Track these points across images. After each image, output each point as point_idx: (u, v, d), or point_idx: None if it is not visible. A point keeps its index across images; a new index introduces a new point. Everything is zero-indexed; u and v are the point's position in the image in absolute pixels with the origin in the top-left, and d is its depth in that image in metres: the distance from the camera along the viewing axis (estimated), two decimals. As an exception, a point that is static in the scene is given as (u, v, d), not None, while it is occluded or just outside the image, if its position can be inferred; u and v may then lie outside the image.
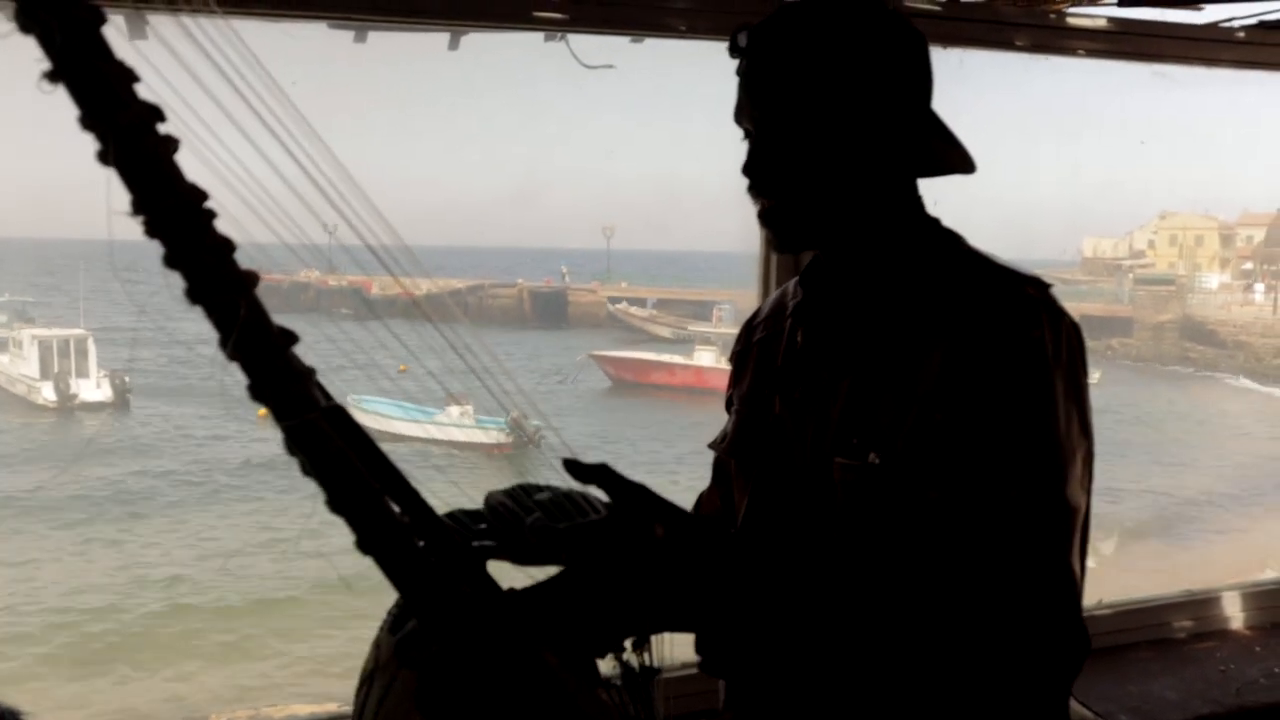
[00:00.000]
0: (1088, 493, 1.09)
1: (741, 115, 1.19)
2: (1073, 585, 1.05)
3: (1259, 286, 47.51)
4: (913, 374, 1.10)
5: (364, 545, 0.82)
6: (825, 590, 1.03)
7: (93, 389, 27.32)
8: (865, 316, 1.18)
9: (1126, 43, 2.43)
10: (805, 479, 1.18)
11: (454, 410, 20.86)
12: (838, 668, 1.04)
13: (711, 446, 1.39)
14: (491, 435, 20.49)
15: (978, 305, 1.10)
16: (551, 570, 0.99)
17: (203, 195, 0.71)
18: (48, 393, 27.06)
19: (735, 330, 1.46)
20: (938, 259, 1.18)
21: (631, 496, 0.98)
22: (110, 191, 0.69)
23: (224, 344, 0.74)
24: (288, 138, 0.76)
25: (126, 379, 27.90)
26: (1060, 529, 1.04)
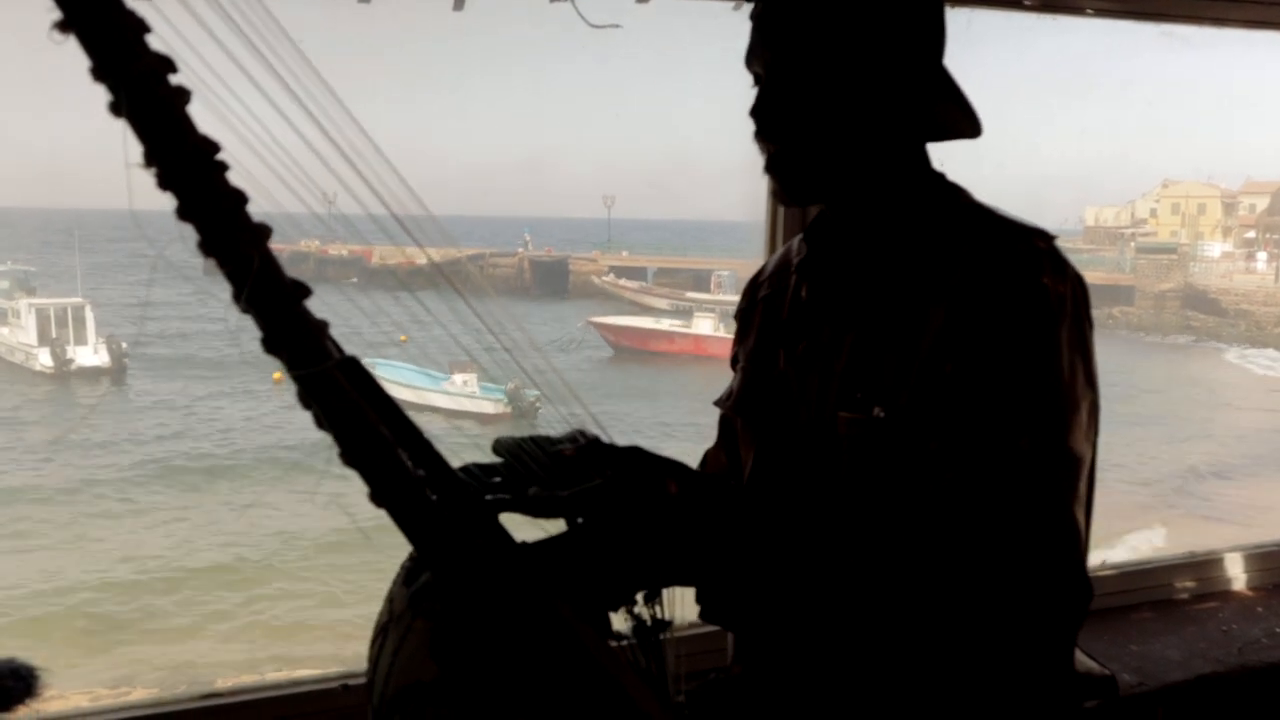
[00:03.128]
0: (1093, 444, 1.10)
1: (753, 59, 1.18)
2: (1076, 535, 1.05)
3: (1261, 255, 47.48)
4: (917, 326, 1.10)
5: (378, 497, 0.82)
6: (829, 542, 1.03)
7: (90, 355, 27.40)
8: (870, 270, 1.17)
9: (1135, 0, 2.40)
10: (810, 434, 1.18)
11: (458, 378, 21.01)
12: (842, 617, 1.05)
13: (717, 404, 1.39)
14: (491, 405, 20.64)
15: (983, 256, 1.09)
16: (563, 524, 1.00)
17: (215, 147, 0.71)
18: (44, 359, 27.14)
19: (733, 298, 1.46)
20: (942, 212, 1.17)
21: (629, 462, 1.00)
22: (127, 148, 0.69)
23: (237, 296, 0.74)
24: (306, 99, 0.76)
25: (124, 345, 27.97)
26: (1064, 478, 1.05)
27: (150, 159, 0.69)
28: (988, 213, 1.17)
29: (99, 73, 0.67)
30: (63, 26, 0.66)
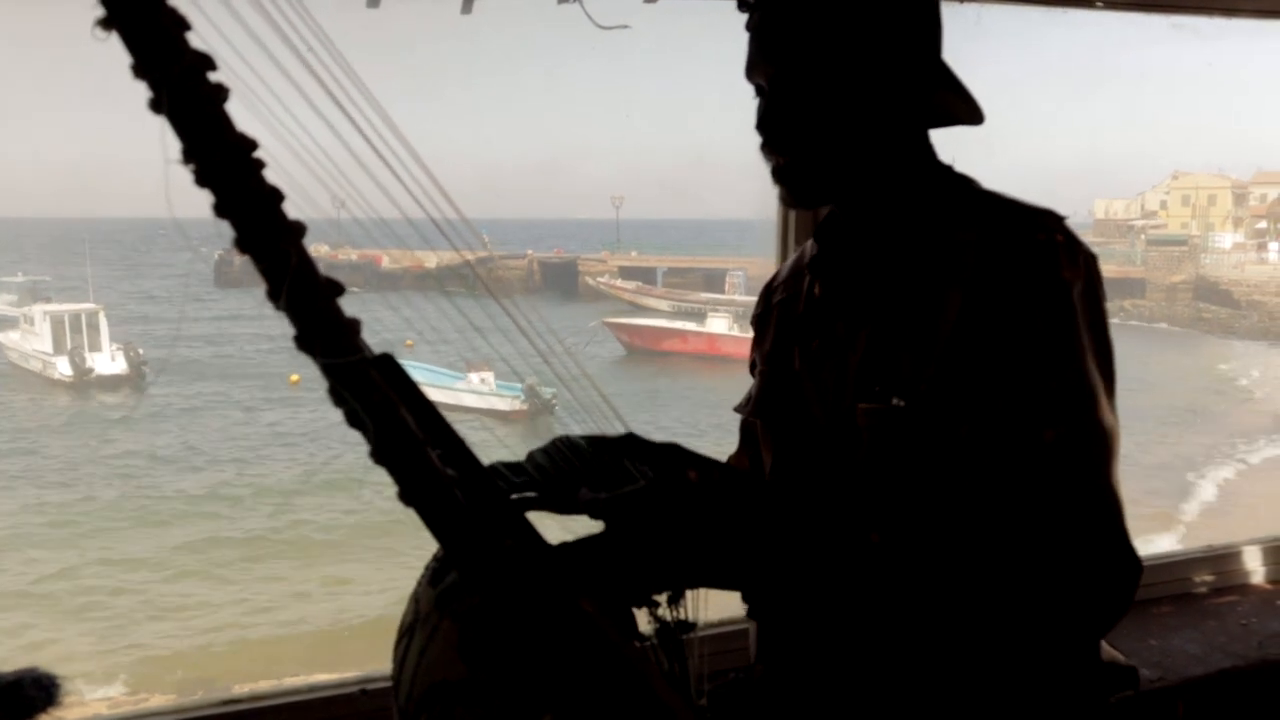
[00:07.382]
0: (1114, 413, 1.08)
1: (754, 71, 1.18)
2: (1118, 507, 1.04)
3: (1273, 245, 47.14)
4: (933, 315, 1.09)
5: (406, 496, 0.82)
6: (855, 531, 1.03)
7: (107, 362, 27.34)
8: (881, 264, 1.17)
9: (1147, -7, 2.39)
10: (828, 429, 1.18)
11: (474, 377, 21.15)
12: (876, 612, 1.04)
13: (737, 410, 1.39)
14: (509, 402, 20.80)
15: (998, 245, 1.09)
16: (588, 521, 1.00)
17: (252, 144, 0.71)
18: (63, 367, 27.05)
19: (745, 299, 1.46)
20: (952, 200, 1.17)
21: (663, 456, 1.00)
22: (165, 146, 0.69)
23: (272, 294, 0.74)
24: (317, 102, 0.76)
25: (141, 351, 27.90)
26: (1100, 452, 1.04)
27: (189, 155, 0.69)
28: (996, 198, 1.16)
29: (140, 70, 0.67)
30: (105, 24, 0.66)
